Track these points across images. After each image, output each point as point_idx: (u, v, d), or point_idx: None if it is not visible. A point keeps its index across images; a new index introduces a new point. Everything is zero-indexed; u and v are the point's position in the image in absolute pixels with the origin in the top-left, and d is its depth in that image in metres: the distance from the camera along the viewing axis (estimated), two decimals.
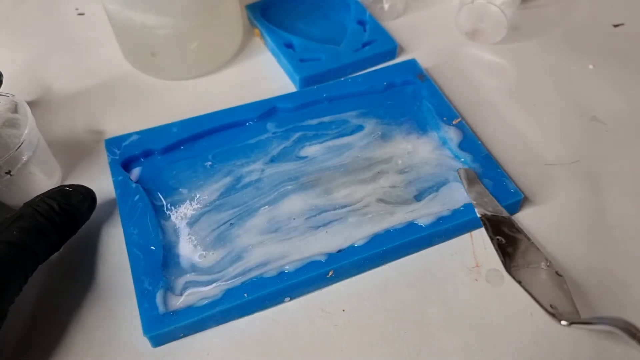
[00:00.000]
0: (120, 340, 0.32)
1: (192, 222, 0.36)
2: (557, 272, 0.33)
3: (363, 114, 0.42)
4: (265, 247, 0.34)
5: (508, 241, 0.34)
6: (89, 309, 0.33)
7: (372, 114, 0.42)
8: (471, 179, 0.37)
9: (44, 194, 0.33)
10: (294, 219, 0.36)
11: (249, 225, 0.35)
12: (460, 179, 0.37)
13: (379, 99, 0.43)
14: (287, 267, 0.33)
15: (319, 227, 0.35)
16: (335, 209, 0.36)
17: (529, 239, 0.35)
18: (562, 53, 0.48)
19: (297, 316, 0.33)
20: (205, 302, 0.32)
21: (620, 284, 0.34)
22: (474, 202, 0.36)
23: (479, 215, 0.35)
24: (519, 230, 0.35)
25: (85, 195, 0.35)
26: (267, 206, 0.36)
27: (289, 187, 0.37)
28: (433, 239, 0.36)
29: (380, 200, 0.37)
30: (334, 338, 0.32)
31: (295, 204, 0.36)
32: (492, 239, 0.34)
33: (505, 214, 0.36)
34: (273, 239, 0.35)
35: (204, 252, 0.34)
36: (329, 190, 0.37)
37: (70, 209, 0.33)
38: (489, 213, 0.35)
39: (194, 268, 0.34)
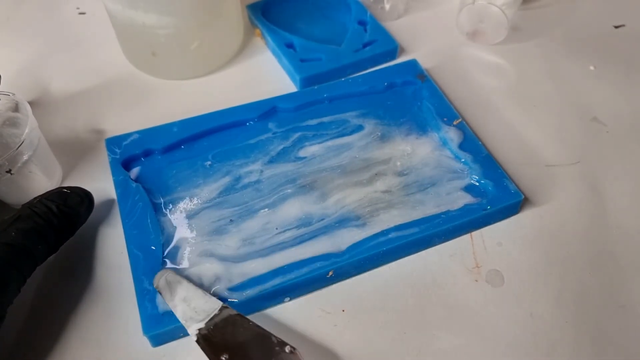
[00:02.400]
0: (119, 339, 0.32)
1: (192, 215, 0.36)
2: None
3: (363, 114, 0.42)
4: (264, 247, 0.34)
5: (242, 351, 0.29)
6: (88, 309, 0.33)
7: (372, 114, 0.42)
8: (172, 283, 0.32)
9: (42, 195, 0.34)
10: (290, 227, 0.36)
11: (248, 224, 0.36)
12: (159, 290, 0.32)
13: (380, 99, 0.43)
14: (286, 267, 0.33)
15: (319, 228, 0.35)
16: (334, 209, 0.36)
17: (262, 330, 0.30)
18: (563, 54, 0.48)
19: (297, 316, 0.33)
20: None
21: (620, 284, 0.34)
22: (181, 318, 0.30)
23: (194, 338, 0.30)
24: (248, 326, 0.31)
25: (83, 197, 0.35)
26: (266, 209, 0.36)
27: (289, 190, 0.37)
28: (433, 239, 0.36)
29: (379, 200, 0.37)
30: (334, 338, 0.32)
31: (295, 205, 0.36)
32: None
33: (221, 309, 0.31)
34: (273, 238, 0.35)
35: (200, 244, 0.34)
36: (327, 191, 0.37)
37: (68, 211, 0.33)
38: (203, 325, 0.30)
39: (193, 266, 0.34)
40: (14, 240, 0.30)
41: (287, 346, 0.30)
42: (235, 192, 0.37)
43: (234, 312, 0.31)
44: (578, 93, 0.45)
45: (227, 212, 0.36)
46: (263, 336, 0.30)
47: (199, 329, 0.30)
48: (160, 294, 0.32)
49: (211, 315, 0.31)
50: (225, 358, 0.29)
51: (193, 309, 0.31)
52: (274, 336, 0.30)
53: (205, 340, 0.30)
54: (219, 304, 0.31)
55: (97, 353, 0.31)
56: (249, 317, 0.33)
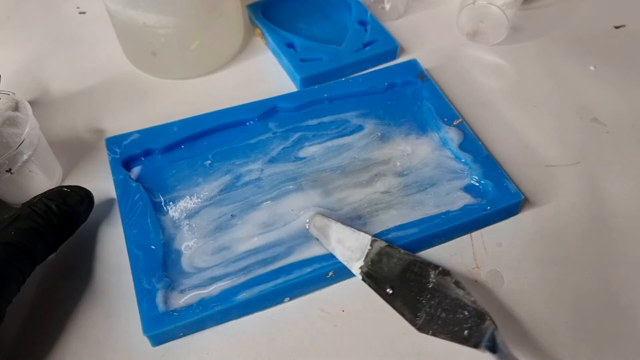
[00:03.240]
0: (119, 339, 0.32)
1: (192, 215, 0.36)
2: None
3: (363, 114, 0.42)
4: (264, 241, 0.34)
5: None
6: (88, 308, 0.33)
7: (373, 114, 0.42)
8: (322, 227, 0.33)
9: (42, 194, 0.33)
10: (292, 210, 0.36)
11: (249, 217, 0.36)
12: (315, 237, 0.33)
13: (380, 100, 0.43)
14: (286, 267, 0.33)
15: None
16: (333, 211, 0.36)
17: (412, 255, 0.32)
18: (563, 54, 0.48)
19: (296, 316, 0.33)
20: (205, 301, 0.32)
21: (620, 285, 0.34)
22: (342, 260, 0.32)
23: (360, 278, 0.32)
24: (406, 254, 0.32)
25: (83, 197, 0.35)
26: (269, 201, 0.36)
27: (290, 186, 0.37)
28: (433, 239, 0.36)
29: (379, 200, 0.37)
30: (334, 338, 0.32)
31: (296, 200, 0.36)
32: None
33: (372, 243, 0.32)
34: (273, 231, 0.35)
35: (203, 241, 0.34)
36: (327, 193, 0.37)
37: (68, 210, 0.33)
38: (362, 263, 0.32)
39: (193, 260, 0.34)
40: (14, 239, 0.30)
41: (439, 268, 0.31)
42: (236, 189, 0.37)
43: (383, 243, 0.33)
44: (578, 93, 0.45)
45: (228, 208, 0.36)
46: (415, 262, 0.32)
47: (360, 267, 0.32)
48: (318, 240, 0.33)
49: (365, 252, 0.32)
50: (390, 291, 0.31)
51: (348, 248, 0.32)
52: (423, 261, 0.32)
53: (369, 277, 0.31)
54: (368, 237, 0.33)
55: (97, 352, 0.31)
56: (249, 316, 0.33)
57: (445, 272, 0.32)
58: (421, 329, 0.30)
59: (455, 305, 0.30)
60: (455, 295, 0.31)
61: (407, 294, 0.31)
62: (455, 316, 0.30)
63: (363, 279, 0.32)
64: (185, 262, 0.34)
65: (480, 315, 0.30)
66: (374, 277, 0.32)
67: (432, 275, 0.32)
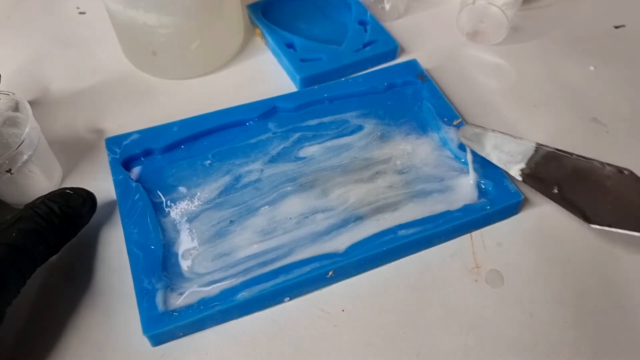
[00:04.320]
0: (119, 339, 0.32)
1: (192, 218, 0.36)
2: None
3: (363, 114, 0.42)
4: (264, 247, 0.34)
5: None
6: (88, 309, 0.33)
7: (373, 114, 0.42)
8: (478, 135, 0.34)
9: (45, 196, 0.33)
10: (291, 218, 0.36)
11: (248, 224, 0.36)
12: (467, 144, 0.35)
13: (380, 100, 0.43)
14: (286, 267, 0.33)
15: (318, 227, 0.35)
16: (333, 210, 0.36)
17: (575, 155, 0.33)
18: (563, 54, 0.48)
19: (296, 316, 0.33)
20: (205, 301, 0.32)
21: (619, 285, 0.34)
22: (498, 164, 0.34)
23: (519, 178, 0.33)
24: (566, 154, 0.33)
25: (86, 199, 0.35)
26: (266, 206, 0.36)
27: (288, 188, 0.37)
28: (433, 239, 0.36)
29: (379, 200, 0.37)
30: (334, 338, 0.32)
31: (294, 205, 0.36)
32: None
33: (536, 149, 0.34)
34: (272, 239, 0.35)
35: (203, 248, 0.34)
36: (327, 191, 0.37)
37: (71, 212, 0.33)
38: (524, 165, 0.33)
39: (194, 267, 0.34)
40: (15, 240, 0.30)
41: (618, 167, 0.32)
42: (235, 191, 0.37)
43: (551, 148, 0.33)
44: (578, 93, 0.45)
45: (227, 213, 0.36)
46: (588, 163, 0.32)
47: (521, 169, 0.33)
48: (469, 147, 0.34)
49: (529, 156, 0.33)
50: (556, 190, 0.32)
51: (507, 153, 0.34)
52: (599, 161, 0.32)
53: (531, 177, 0.33)
54: (533, 143, 0.33)
55: (97, 352, 0.31)
56: (249, 316, 0.33)
57: (621, 170, 0.32)
58: (594, 222, 0.31)
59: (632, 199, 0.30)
60: (633, 190, 0.31)
61: (578, 193, 0.32)
62: (631, 209, 0.30)
63: (523, 180, 0.33)
64: (185, 268, 0.34)
65: None
66: (538, 177, 0.32)
67: (607, 174, 0.32)
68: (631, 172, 0.32)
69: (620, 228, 0.30)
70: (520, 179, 0.33)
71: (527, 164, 0.33)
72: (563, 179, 0.32)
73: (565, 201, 0.32)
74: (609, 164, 0.32)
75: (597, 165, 0.32)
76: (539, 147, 0.33)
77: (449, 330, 0.32)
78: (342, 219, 0.36)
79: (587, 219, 0.31)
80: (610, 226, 0.31)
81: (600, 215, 0.31)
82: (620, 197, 0.31)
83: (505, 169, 0.33)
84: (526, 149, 0.33)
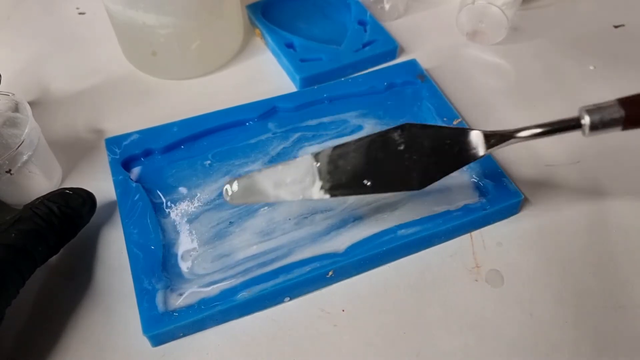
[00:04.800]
0: (119, 339, 0.32)
1: (192, 219, 0.36)
2: None
3: (363, 114, 0.42)
4: (263, 248, 0.34)
5: None
6: (88, 309, 0.33)
7: (372, 114, 0.42)
8: (245, 188, 0.30)
9: (44, 196, 0.33)
10: (290, 218, 0.36)
11: (248, 225, 0.35)
12: (237, 204, 0.31)
13: (380, 100, 0.43)
14: (286, 267, 0.33)
15: (317, 228, 0.35)
16: (332, 210, 0.36)
17: None
18: (563, 54, 0.48)
19: (296, 316, 0.33)
20: (205, 301, 0.32)
21: (620, 284, 0.34)
22: (296, 197, 0.30)
23: (328, 197, 0.30)
24: None
25: (86, 199, 0.35)
26: (266, 207, 0.36)
27: None
28: (433, 239, 0.36)
29: (378, 200, 0.37)
30: (334, 338, 0.32)
31: (293, 205, 0.36)
32: None
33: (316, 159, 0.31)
34: (271, 240, 0.35)
35: (202, 249, 0.34)
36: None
37: (70, 212, 0.33)
38: (321, 183, 0.30)
39: (193, 268, 0.34)
40: (14, 241, 0.30)
41: (398, 127, 0.30)
42: None
43: (327, 150, 0.30)
44: (578, 93, 0.45)
45: (227, 214, 0.36)
46: (374, 140, 0.30)
47: (322, 187, 0.30)
48: (243, 204, 0.30)
49: (315, 171, 0.30)
50: (368, 182, 0.30)
51: (294, 181, 0.30)
52: (380, 132, 0.30)
53: (337, 188, 0.29)
54: (309, 156, 0.30)
55: (97, 353, 0.31)
56: (249, 316, 0.33)
57: (404, 127, 0.30)
58: (422, 185, 0.29)
59: (438, 141, 0.29)
60: (431, 134, 0.30)
61: (386, 171, 0.30)
62: (443, 149, 0.29)
63: (332, 196, 0.29)
64: (184, 270, 0.34)
65: (461, 132, 0.29)
66: (342, 184, 0.30)
67: (397, 137, 0.30)
68: (410, 124, 0.30)
69: (443, 175, 0.30)
70: (328, 196, 0.29)
71: (321, 177, 0.30)
72: (364, 168, 0.29)
73: (382, 187, 0.30)
74: (391, 129, 0.30)
75: (382, 136, 0.30)
76: (316, 155, 0.30)
77: (449, 330, 0.32)
78: (341, 219, 0.36)
79: (412, 188, 0.30)
80: (433, 180, 0.30)
81: (419, 177, 0.30)
82: (419, 150, 0.30)
83: (305, 198, 0.29)
84: (307, 166, 0.30)
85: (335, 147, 0.30)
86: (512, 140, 0.30)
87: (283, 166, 0.30)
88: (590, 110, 0.28)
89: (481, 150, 0.30)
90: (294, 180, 0.30)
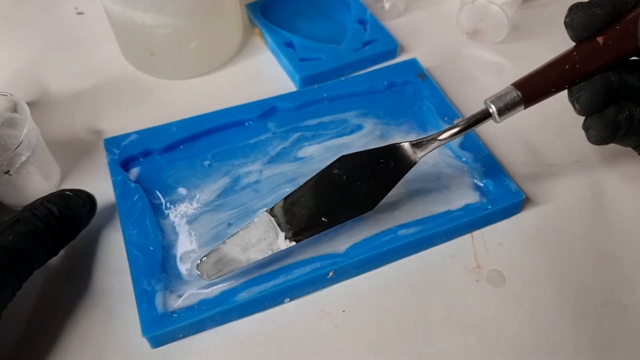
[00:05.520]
0: (119, 341, 0.32)
1: (192, 220, 0.36)
2: None
3: (363, 113, 0.42)
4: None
5: None
6: (87, 310, 0.33)
7: (372, 113, 0.42)
8: (217, 263, 0.32)
9: (44, 197, 0.33)
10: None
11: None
12: (213, 279, 0.32)
13: (380, 99, 0.43)
14: (286, 267, 0.33)
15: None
16: None
17: None
18: None
19: (297, 317, 0.33)
20: (205, 303, 0.32)
21: (620, 284, 0.34)
22: (265, 255, 0.32)
23: (293, 244, 0.32)
24: None
25: (86, 200, 0.34)
26: (265, 209, 0.36)
27: (287, 189, 0.37)
28: (433, 239, 0.35)
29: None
30: (334, 339, 0.32)
31: None
32: None
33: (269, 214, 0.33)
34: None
35: (202, 251, 0.34)
36: None
37: (70, 214, 0.33)
38: (284, 235, 0.32)
39: (193, 269, 0.33)
40: (11, 243, 0.30)
41: (336, 162, 0.33)
42: (234, 193, 0.37)
43: (280, 203, 0.33)
44: None
45: (226, 215, 0.36)
46: (320, 179, 0.33)
47: (287, 238, 0.32)
48: (220, 277, 0.32)
49: (274, 226, 0.32)
50: (325, 219, 0.32)
51: (259, 241, 0.32)
52: (322, 171, 0.33)
53: (300, 233, 0.32)
54: (264, 214, 0.33)
55: (97, 354, 0.31)
56: (249, 317, 0.33)
57: (339, 160, 0.33)
58: (372, 205, 0.32)
59: (373, 163, 0.33)
60: (365, 159, 0.33)
61: (338, 204, 0.32)
62: (380, 168, 0.32)
63: (297, 242, 0.32)
64: (183, 271, 0.33)
65: (391, 148, 0.33)
66: (303, 228, 0.32)
67: (336, 171, 0.33)
68: (342, 157, 0.33)
69: (390, 187, 0.33)
70: (294, 243, 0.32)
71: (283, 229, 0.32)
72: (318, 208, 0.32)
73: (341, 218, 0.33)
74: (331, 164, 0.33)
75: (326, 174, 0.33)
76: (271, 211, 0.33)
77: (450, 330, 0.32)
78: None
79: (370, 209, 0.33)
80: (386, 192, 0.33)
81: (371, 200, 0.33)
82: (360, 173, 0.33)
83: (274, 252, 0.32)
84: (265, 223, 0.32)
85: (286, 198, 0.33)
86: (436, 143, 0.33)
87: (244, 230, 0.32)
88: (493, 100, 0.31)
89: (413, 158, 0.33)
90: (259, 240, 0.32)
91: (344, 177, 0.33)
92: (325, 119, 0.41)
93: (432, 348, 0.32)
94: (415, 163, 0.33)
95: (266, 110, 0.41)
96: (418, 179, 0.38)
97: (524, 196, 0.37)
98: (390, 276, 0.35)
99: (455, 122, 0.32)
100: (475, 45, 0.49)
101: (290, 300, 0.33)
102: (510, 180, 0.37)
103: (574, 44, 0.32)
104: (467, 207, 0.36)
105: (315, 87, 0.43)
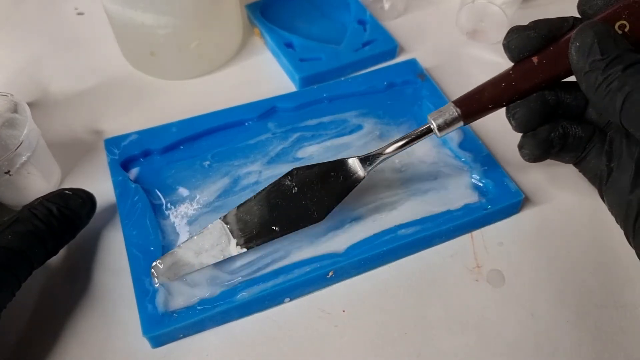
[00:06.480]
0: (119, 341, 0.32)
1: (192, 221, 0.36)
2: None
3: (363, 113, 0.42)
4: (261, 252, 0.34)
5: None
6: (87, 310, 0.33)
7: (372, 113, 0.42)
8: (171, 266, 0.33)
9: (43, 197, 0.33)
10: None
11: None
12: (170, 281, 0.32)
13: (380, 99, 0.43)
14: (286, 267, 0.33)
15: (315, 229, 0.35)
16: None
17: None
18: None
19: (296, 317, 0.33)
20: (205, 302, 0.32)
21: (620, 284, 0.34)
22: (217, 260, 0.33)
23: (245, 250, 0.33)
24: None
25: (85, 200, 0.34)
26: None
27: None
28: (433, 239, 0.35)
29: (377, 200, 0.36)
30: (334, 339, 0.32)
31: None
32: None
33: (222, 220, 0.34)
34: (269, 247, 0.35)
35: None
36: None
37: (70, 213, 0.33)
38: (236, 241, 0.33)
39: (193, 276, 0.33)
40: (10, 243, 0.30)
41: (288, 174, 0.35)
42: (234, 194, 0.37)
43: (233, 210, 0.34)
44: None
45: None
46: (270, 191, 0.34)
47: (238, 244, 0.33)
48: (175, 278, 0.32)
49: (227, 232, 0.33)
50: (276, 228, 0.33)
51: (212, 246, 0.33)
52: (273, 183, 0.34)
53: (251, 240, 0.33)
54: (218, 221, 0.33)
55: (97, 354, 0.31)
56: (249, 317, 0.33)
57: (292, 172, 0.34)
58: (321, 216, 0.33)
59: (324, 176, 0.34)
60: (317, 172, 0.34)
61: (288, 213, 0.33)
62: (330, 181, 0.34)
63: (249, 248, 0.33)
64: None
65: (341, 163, 0.34)
66: (254, 236, 0.33)
67: (289, 183, 0.34)
68: (297, 169, 0.34)
69: (335, 203, 0.34)
70: (245, 249, 0.33)
71: (235, 236, 0.33)
72: (269, 217, 0.33)
73: (290, 228, 0.33)
74: (282, 176, 0.34)
75: (276, 186, 0.34)
76: (224, 217, 0.33)
77: (450, 330, 0.32)
78: (340, 220, 0.35)
79: (316, 220, 0.33)
80: (329, 210, 0.34)
81: (318, 209, 0.34)
82: (311, 185, 0.34)
83: (225, 257, 0.32)
84: (218, 229, 0.33)
85: (239, 206, 0.34)
86: (382, 157, 0.34)
87: (198, 236, 0.33)
88: (434, 117, 0.33)
89: (361, 173, 0.34)
90: (212, 245, 0.33)
91: (296, 188, 0.34)
92: (325, 119, 0.42)
93: (432, 348, 0.32)
94: (363, 178, 0.34)
95: (266, 111, 0.41)
96: (417, 179, 0.38)
97: (524, 196, 0.37)
98: (390, 276, 0.35)
99: (399, 138, 0.34)
100: (475, 45, 0.49)
101: (290, 300, 0.33)
102: (510, 179, 0.37)
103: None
104: (466, 207, 0.36)
105: (315, 87, 0.43)
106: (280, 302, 0.33)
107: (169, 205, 0.37)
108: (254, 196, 0.34)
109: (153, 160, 0.39)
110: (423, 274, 0.35)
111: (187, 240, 0.33)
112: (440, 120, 0.33)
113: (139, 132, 0.40)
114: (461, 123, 0.33)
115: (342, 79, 0.45)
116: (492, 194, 0.37)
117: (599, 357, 0.31)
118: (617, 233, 0.36)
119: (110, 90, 0.46)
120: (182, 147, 0.40)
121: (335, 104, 0.43)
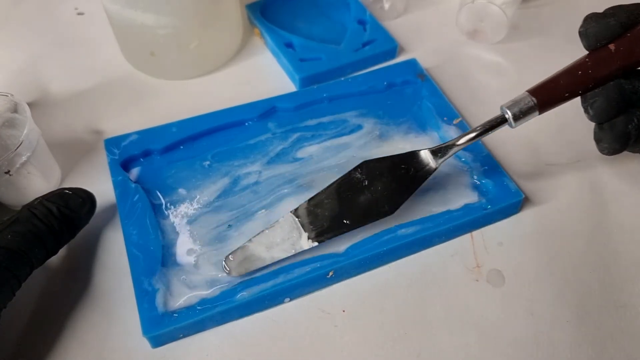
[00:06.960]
0: (119, 341, 0.32)
1: (192, 221, 0.36)
2: None
3: (363, 114, 0.42)
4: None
5: None
6: (87, 310, 0.33)
7: (372, 114, 0.42)
8: (242, 261, 0.33)
9: (43, 196, 0.33)
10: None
11: (246, 228, 0.35)
12: (239, 274, 0.32)
13: (379, 99, 0.43)
14: (287, 267, 0.33)
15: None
16: None
17: None
18: (563, 52, 0.48)
19: (297, 317, 0.33)
20: (205, 302, 0.32)
21: (620, 284, 0.34)
22: (289, 253, 0.33)
23: (316, 244, 0.33)
24: None
25: (85, 199, 0.34)
26: (263, 210, 0.36)
27: (285, 190, 0.37)
28: (433, 239, 0.35)
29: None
30: (334, 339, 0.32)
31: (291, 206, 0.36)
32: None
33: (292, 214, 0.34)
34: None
35: (201, 252, 0.34)
36: None
37: (69, 213, 0.33)
38: (307, 234, 0.33)
39: (193, 268, 0.33)
40: (10, 243, 0.30)
41: (358, 167, 0.35)
42: (234, 195, 0.37)
43: (303, 204, 0.34)
44: None
45: (225, 216, 0.36)
46: (340, 184, 0.34)
47: (309, 238, 0.33)
48: (245, 272, 0.32)
49: (298, 226, 0.33)
50: (347, 221, 0.33)
51: (283, 240, 0.33)
52: (343, 176, 0.35)
53: (322, 234, 0.33)
54: (289, 214, 0.33)
55: (97, 354, 0.31)
56: (249, 317, 0.33)
57: (362, 165, 0.34)
58: (392, 210, 0.33)
59: (394, 169, 0.34)
60: (387, 164, 0.34)
61: (359, 207, 0.33)
62: (401, 174, 0.34)
63: (320, 242, 0.33)
64: (183, 271, 0.33)
65: (412, 155, 0.34)
66: (325, 229, 0.33)
67: (359, 175, 0.34)
68: (368, 161, 0.34)
69: (409, 195, 0.34)
70: (317, 243, 0.33)
71: (306, 230, 0.33)
72: (340, 211, 0.33)
73: (361, 222, 0.33)
74: (352, 170, 0.34)
75: (347, 179, 0.34)
76: (295, 212, 0.34)
77: (450, 330, 0.32)
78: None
79: (388, 214, 0.34)
80: (404, 200, 0.34)
81: (391, 203, 0.34)
82: (382, 178, 0.34)
83: (297, 251, 0.33)
84: (289, 223, 0.33)
85: (310, 200, 0.34)
86: (455, 149, 0.34)
87: (269, 230, 0.33)
88: (509, 106, 0.33)
89: (432, 165, 0.34)
90: (283, 239, 0.33)
91: (366, 181, 0.34)
92: (325, 119, 0.42)
93: (432, 348, 0.32)
94: (434, 169, 0.34)
95: (266, 111, 0.41)
96: None
97: (524, 196, 0.37)
98: (390, 276, 0.35)
99: (472, 129, 0.34)
100: (475, 45, 0.49)
101: (290, 300, 0.33)
102: (510, 179, 0.37)
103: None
104: (466, 207, 0.36)
105: (315, 87, 0.43)
106: (280, 302, 0.33)
107: (168, 205, 0.37)
108: (324, 189, 0.34)
109: (153, 160, 0.39)
110: (423, 274, 0.35)
111: (258, 234, 0.33)
112: (516, 109, 0.32)
113: (139, 132, 0.40)
114: (536, 113, 0.32)
115: (342, 79, 0.45)
116: (492, 194, 0.37)
117: (599, 357, 0.31)
118: (617, 233, 0.36)
119: (110, 90, 0.46)
120: (182, 147, 0.40)
121: (335, 104, 0.43)
